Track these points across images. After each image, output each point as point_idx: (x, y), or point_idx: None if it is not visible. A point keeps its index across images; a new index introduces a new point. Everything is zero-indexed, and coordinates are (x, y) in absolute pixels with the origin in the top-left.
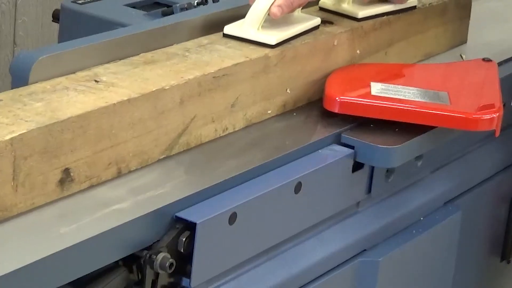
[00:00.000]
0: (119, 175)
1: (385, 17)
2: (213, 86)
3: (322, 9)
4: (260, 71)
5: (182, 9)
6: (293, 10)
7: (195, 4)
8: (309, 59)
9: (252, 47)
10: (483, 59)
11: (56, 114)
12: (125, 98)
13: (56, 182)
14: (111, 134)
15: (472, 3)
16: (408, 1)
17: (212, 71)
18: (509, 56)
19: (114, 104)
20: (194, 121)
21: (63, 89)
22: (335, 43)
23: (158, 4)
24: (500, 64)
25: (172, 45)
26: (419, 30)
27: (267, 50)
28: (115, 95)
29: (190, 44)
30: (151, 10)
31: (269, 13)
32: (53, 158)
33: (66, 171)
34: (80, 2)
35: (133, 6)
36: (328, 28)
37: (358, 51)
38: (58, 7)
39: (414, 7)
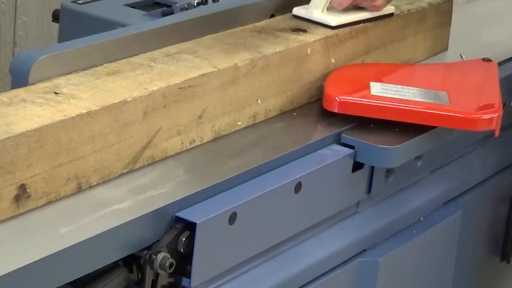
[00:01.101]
0: (79, 190)
1: (361, 24)
2: (178, 98)
3: (295, 16)
4: (228, 81)
5: (182, 9)
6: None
7: (195, 4)
8: (280, 68)
9: (221, 56)
10: (483, 59)
11: (10, 128)
12: (85, 111)
13: (11, 199)
14: (69, 148)
15: (472, 3)
16: (385, 8)
17: (178, 82)
18: (509, 56)
19: (73, 117)
20: (159, 134)
21: (20, 102)
22: (308, 52)
23: (158, 4)
24: (500, 64)
25: (171, 45)
26: (397, 37)
27: (236, 60)
28: (75, 108)
29: (156, 53)
30: (151, 10)
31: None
32: (7, 174)
33: (22, 187)
34: (80, 2)
35: (133, 6)
36: (301, 37)
37: (332, 60)
38: (58, 7)
39: (391, 14)
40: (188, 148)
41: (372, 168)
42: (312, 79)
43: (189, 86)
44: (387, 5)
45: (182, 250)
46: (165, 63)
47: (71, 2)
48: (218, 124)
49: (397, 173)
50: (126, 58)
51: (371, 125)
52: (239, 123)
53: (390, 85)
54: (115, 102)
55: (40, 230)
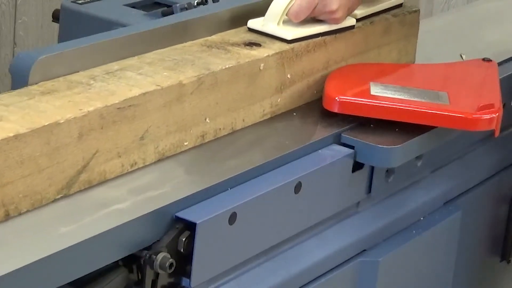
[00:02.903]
0: (8, 218)
1: (319, 38)
2: (118, 118)
3: (250, 29)
4: (173, 100)
5: (182, 9)
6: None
7: (195, 4)
8: (231, 85)
9: (166, 73)
10: (483, 59)
11: None
12: (12, 134)
13: None
14: None
15: (472, 3)
16: (346, 20)
17: (117, 102)
18: (509, 56)
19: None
20: (96, 157)
21: None
22: (261, 68)
23: (158, 4)
24: (500, 64)
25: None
26: (359, 51)
27: (181, 77)
28: (1, 131)
29: (97, 71)
30: (151, 10)
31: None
32: None
33: None
34: (80, 2)
35: (133, 6)
36: (255, 51)
37: (288, 75)
38: (58, 7)
39: (352, 27)
40: (129, 170)
41: (372, 168)
42: (266, 96)
43: (129, 105)
44: (348, 17)
45: (182, 250)
46: (105, 81)
47: (71, 2)
48: (162, 145)
49: (397, 173)
50: (126, 58)
51: (371, 125)
52: (185, 144)
53: (390, 85)
54: (46, 124)
55: (40, 230)
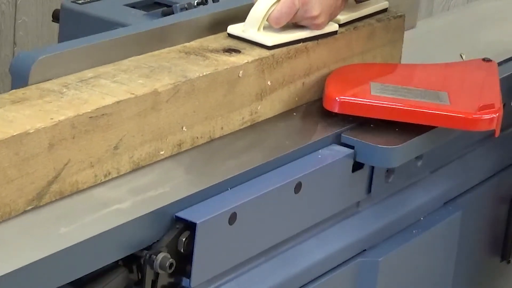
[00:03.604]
0: None
1: (301, 44)
2: (90, 127)
3: (230, 35)
4: (148, 108)
5: (182, 9)
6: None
7: (195, 4)
8: (208, 93)
9: (141, 81)
10: (483, 59)
11: None
12: None
13: None
14: None
15: (472, 3)
16: (328, 26)
17: (89, 111)
18: (509, 56)
19: None
20: (68, 167)
21: None
22: (240, 75)
23: (158, 4)
24: (500, 64)
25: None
26: (342, 57)
27: (157, 85)
28: None
29: (71, 78)
30: (151, 10)
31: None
32: None
33: None
34: (80, 2)
35: (133, 6)
36: (233, 58)
37: (269, 82)
38: (58, 7)
39: (335, 32)
40: (102, 181)
41: (372, 168)
42: (246, 103)
43: (102, 114)
44: (330, 23)
45: (182, 250)
46: (78, 89)
47: (71, 2)
48: (137, 154)
49: (397, 173)
50: (126, 58)
51: (371, 125)
52: (161, 153)
53: (390, 85)
54: (14, 134)
55: (40, 230)
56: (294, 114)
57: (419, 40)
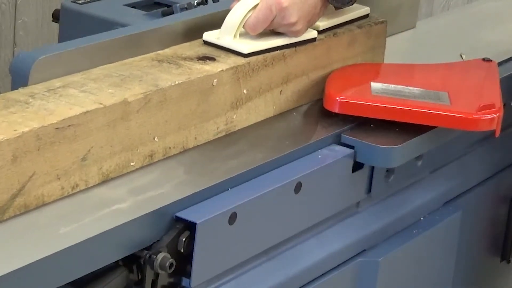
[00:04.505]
0: None
1: (278, 51)
2: (56, 139)
3: (206, 42)
4: (118, 118)
5: (182, 9)
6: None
7: (195, 4)
8: (181, 102)
9: (111, 90)
10: (483, 59)
11: None
12: None
13: None
14: None
15: (472, 3)
16: (306, 33)
17: (55, 122)
18: (509, 56)
19: None
20: (33, 180)
21: None
22: (214, 83)
23: (158, 4)
24: (500, 64)
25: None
26: (322, 64)
27: (127, 95)
28: None
29: (38, 88)
30: (151, 10)
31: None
32: None
33: None
34: (80, 2)
35: (133, 6)
36: (208, 66)
37: (245, 91)
38: (58, 7)
39: (313, 39)
40: (70, 193)
41: (372, 168)
42: (221, 113)
43: (69, 125)
44: (309, 29)
45: (182, 250)
46: (45, 99)
47: (71, 2)
48: (107, 165)
49: (397, 173)
50: (126, 58)
51: (371, 125)
52: (132, 164)
53: (390, 85)
54: None
55: (40, 230)
56: (294, 114)
57: (419, 40)
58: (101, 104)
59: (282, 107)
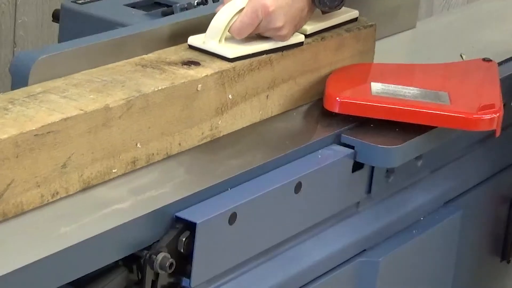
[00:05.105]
0: None
1: (264, 56)
2: (35, 146)
3: (191, 47)
4: (99, 125)
5: (182, 9)
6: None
7: (195, 4)
8: (164, 108)
9: (92, 96)
10: (483, 59)
11: None
12: None
13: None
14: None
15: (472, 3)
16: (294, 37)
17: (34, 129)
18: (509, 56)
19: None
20: (11, 188)
21: None
22: (199, 88)
23: (158, 4)
24: (500, 64)
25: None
26: (309, 68)
27: (108, 100)
28: None
29: (18, 93)
30: (151, 10)
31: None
32: None
33: None
34: (80, 2)
35: (133, 6)
36: (192, 71)
37: (230, 96)
38: (58, 7)
39: (301, 44)
40: (50, 201)
41: (372, 168)
42: (206, 118)
43: (48, 132)
44: (296, 33)
45: (182, 250)
46: (25, 105)
47: (71, 2)
48: (88, 172)
49: (397, 173)
50: (126, 58)
51: (371, 125)
52: (114, 171)
53: (390, 85)
54: None
55: (40, 230)
56: (294, 114)
57: (419, 40)
58: (82, 110)
59: (268, 113)
